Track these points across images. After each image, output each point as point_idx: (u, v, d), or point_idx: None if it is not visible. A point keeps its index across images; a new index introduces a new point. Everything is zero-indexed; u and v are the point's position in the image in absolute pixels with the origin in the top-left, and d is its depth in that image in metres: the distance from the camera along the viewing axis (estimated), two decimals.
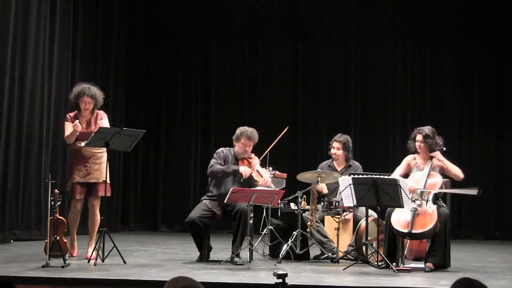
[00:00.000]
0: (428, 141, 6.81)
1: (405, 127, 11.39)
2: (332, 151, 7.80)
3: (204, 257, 6.94)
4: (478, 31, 11.70)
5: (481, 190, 6.69)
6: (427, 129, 6.87)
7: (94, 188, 6.87)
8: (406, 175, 6.89)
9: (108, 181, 6.87)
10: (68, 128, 6.88)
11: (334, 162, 7.85)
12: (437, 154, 6.81)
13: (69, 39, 10.06)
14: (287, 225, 7.57)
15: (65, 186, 7.11)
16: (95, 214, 6.93)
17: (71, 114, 6.98)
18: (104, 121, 6.93)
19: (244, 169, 6.98)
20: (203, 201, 7.10)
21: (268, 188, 7.01)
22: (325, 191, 7.60)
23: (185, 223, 6.99)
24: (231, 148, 7.23)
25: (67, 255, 6.39)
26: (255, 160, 7.17)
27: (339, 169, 7.76)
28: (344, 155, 7.79)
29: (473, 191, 6.70)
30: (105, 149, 6.77)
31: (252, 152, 7.22)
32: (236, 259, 6.66)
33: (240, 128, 7.18)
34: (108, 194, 6.94)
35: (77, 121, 6.76)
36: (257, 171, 7.10)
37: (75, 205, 6.89)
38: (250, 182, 7.12)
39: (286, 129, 7.41)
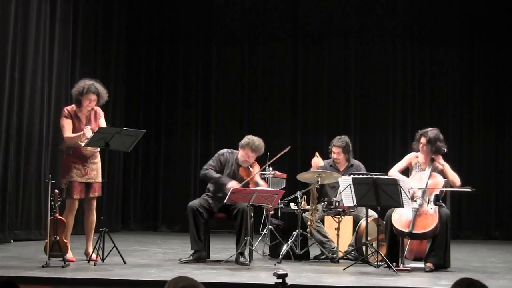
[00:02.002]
0: (431, 146, 6.80)
1: (405, 127, 11.41)
2: (334, 156, 7.80)
3: (202, 253, 6.86)
4: (478, 31, 11.70)
5: (474, 190, 6.71)
6: (431, 133, 6.83)
7: (91, 188, 6.79)
8: (405, 172, 6.90)
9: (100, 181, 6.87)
10: (68, 126, 6.71)
11: (336, 163, 7.85)
12: (439, 158, 6.81)
13: (69, 39, 10.07)
14: (287, 225, 7.57)
15: (59, 184, 6.82)
16: (92, 213, 6.87)
17: (69, 109, 6.81)
18: (102, 120, 6.90)
19: (231, 185, 6.86)
20: (203, 197, 7.12)
21: (268, 188, 7.03)
22: (321, 163, 7.55)
23: (187, 209, 6.93)
24: (235, 151, 7.18)
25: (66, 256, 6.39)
26: (256, 170, 7.13)
27: (341, 169, 7.76)
28: (345, 158, 7.80)
29: (467, 189, 6.74)
30: (98, 148, 6.76)
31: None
32: (241, 258, 6.66)
33: (249, 137, 7.09)
34: (100, 194, 6.92)
35: (88, 127, 6.61)
36: (255, 181, 7.07)
37: (71, 204, 6.74)
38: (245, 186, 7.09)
39: (288, 148, 7.31)
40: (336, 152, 7.75)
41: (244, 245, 6.68)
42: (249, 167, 7.11)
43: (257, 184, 7.05)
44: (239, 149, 7.11)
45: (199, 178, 11.69)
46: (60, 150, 7.16)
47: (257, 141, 7.03)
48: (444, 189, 6.79)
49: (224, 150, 7.21)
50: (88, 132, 6.55)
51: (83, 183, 6.75)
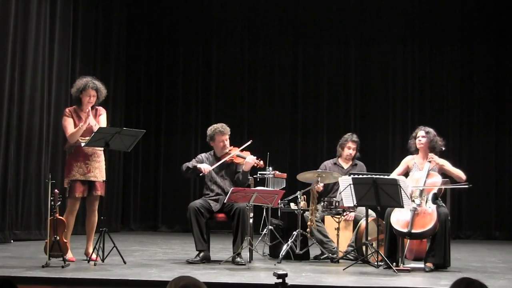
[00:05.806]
0: (429, 136, 6.82)
1: (405, 127, 11.40)
2: (347, 151, 7.79)
3: (207, 253, 6.85)
4: (478, 31, 11.71)
5: (471, 185, 6.72)
6: (428, 128, 6.93)
7: (94, 186, 6.78)
8: (404, 176, 6.90)
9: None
10: (70, 125, 6.73)
11: (340, 160, 7.84)
12: (435, 158, 6.81)
13: (69, 39, 10.07)
14: (287, 225, 7.57)
15: (63, 183, 6.89)
16: (94, 214, 6.86)
17: (71, 109, 6.84)
18: (102, 117, 6.90)
19: (202, 165, 7.02)
20: (203, 198, 7.12)
21: (267, 188, 7.03)
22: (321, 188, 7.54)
23: (187, 209, 6.92)
24: (210, 151, 7.27)
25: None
26: (234, 151, 7.15)
27: (345, 167, 7.77)
28: (355, 155, 7.84)
29: (464, 186, 6.74)
30: None
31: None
32: (238, 259, 6.66)
33: (209, 128, 7.23)
34: (103, 193, 6.92)
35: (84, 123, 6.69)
36: (238, 156, 7.09)
37: (73, 204, 6.74)
38: (234, 168, 7.13)
39: (249, 142, 7.25)
40: (352, 148, 7.81)
41: (241, 245, 6.67)
42: (227, 153, 7.13)
43: (242, 157, 7.05)
44: (211, 144, 7.20)
45: (199, 178, 11.73)
46: (64, 151, 7.17)
47: (218, 124, 7.21)
48: (443, 186, 6.78)
49: (200, 154, 7.36)
50: (90, 119, 6.62)
51: (85, 182, 6.74)
